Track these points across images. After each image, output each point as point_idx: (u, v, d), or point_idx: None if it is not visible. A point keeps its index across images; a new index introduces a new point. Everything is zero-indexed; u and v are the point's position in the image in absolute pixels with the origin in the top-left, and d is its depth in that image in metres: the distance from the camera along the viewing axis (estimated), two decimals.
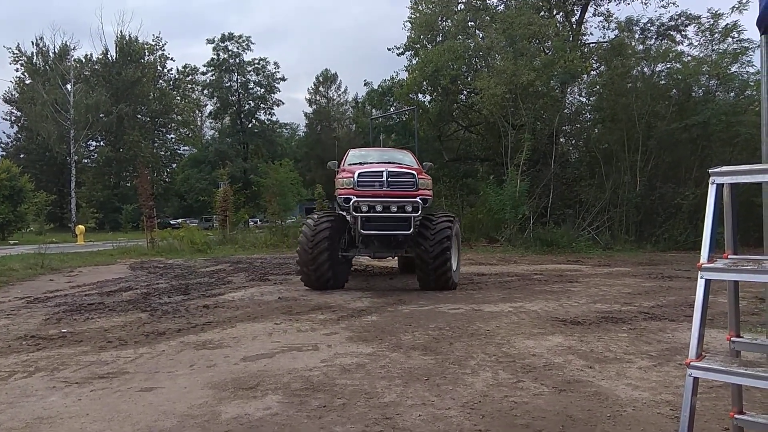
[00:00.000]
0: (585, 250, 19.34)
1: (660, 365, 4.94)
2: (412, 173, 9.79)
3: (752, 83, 21.93)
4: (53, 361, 5.27)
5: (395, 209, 9.36)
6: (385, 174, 9.48)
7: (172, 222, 42.68)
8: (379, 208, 9.34)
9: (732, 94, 22.18)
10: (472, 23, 27.25)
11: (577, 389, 4.27)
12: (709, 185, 2.34)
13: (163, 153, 62.21)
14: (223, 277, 12.14)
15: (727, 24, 22.94)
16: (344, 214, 9.90)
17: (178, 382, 4.52)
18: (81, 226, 31.19)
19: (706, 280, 2.30)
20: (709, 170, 2.37)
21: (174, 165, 63.02)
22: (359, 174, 9.53)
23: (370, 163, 10.66)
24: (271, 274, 12.45)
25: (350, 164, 10.75)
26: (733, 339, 2.53)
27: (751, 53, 22.32)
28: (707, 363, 2.25)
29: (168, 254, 18.86)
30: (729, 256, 2.45)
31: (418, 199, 9.46)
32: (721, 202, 2.38)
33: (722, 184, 2.36)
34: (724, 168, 2.36)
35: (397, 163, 10.57)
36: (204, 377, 4.63)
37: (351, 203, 9.36)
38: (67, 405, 4.01)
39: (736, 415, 2.47)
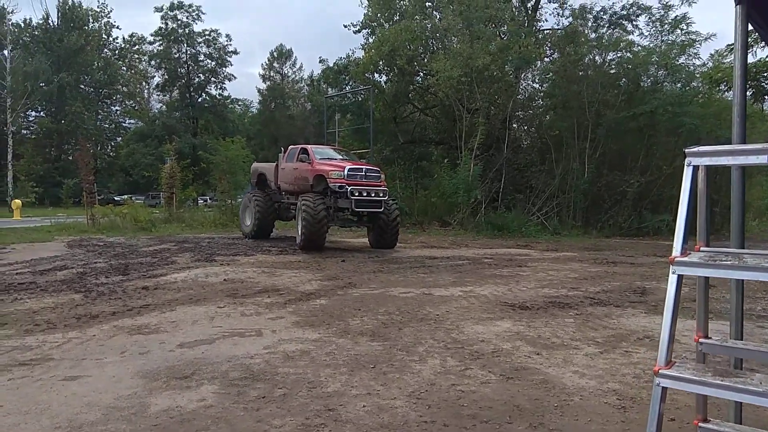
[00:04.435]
0: (534, 234, 19.67)
1: (606, 352, 4.95)
2: (378, 170, 14.37)
3: (698, 75, 22.63)
4: None
5: (374, 194, 13.43)
6: (364, 170, 13.72)
7: (116, 198, 40.92)
8: (365, 193, 13.26)
9: (679, 84, 22.79)
10: (430, 3, 26.96)
11: (524, 377, 4.22)
12: (685, 167, 2.11)
13: (107, 126, 59.39)
14: (167, 257, 11.66)
15: (677, 16, 23.50)
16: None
17: (107, 370, 4.22)
18: (17, 201, 29.43)
19: (678, 275, 2.06)
20: (686, 150, 2.13)
21: (119, 139, 60.34)
22: (349, 169, 13.44)
23: (335, 159, 14.76)
24: (218, 255, 12.04)
25: (321, 159, 14.40)
26: (701, 340, 2.33)
27: (698, 45, 23.00)
28: (678, 371, 1.99)
29: (109, 232, 18.05)
30: (701, 248, 2.25)
31: (383, 187, 13.86)
32: (696, 186, 2.15)
33: (698, 166, 2.12)
34: (702, 148, 2.12)
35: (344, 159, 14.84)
36: (135, 365, 4.34)
37: (347, 189, 13.04)
38: None
39: (700, 424, 2.29)
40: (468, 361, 4.61)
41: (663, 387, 1.96)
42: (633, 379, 4.21)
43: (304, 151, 14.89)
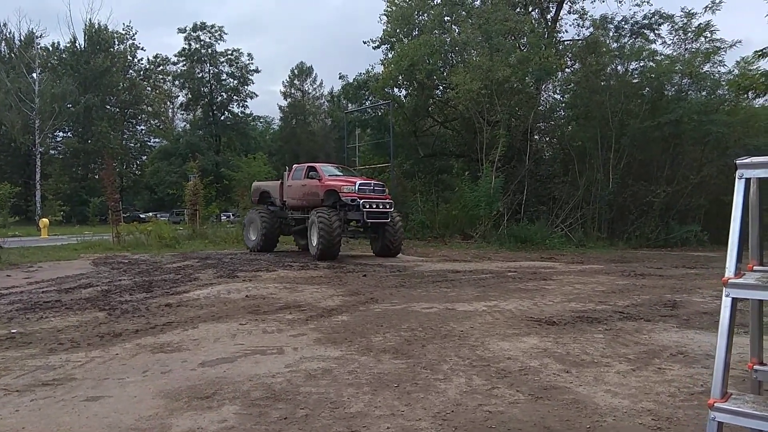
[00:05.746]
0: (558, 246, 19.37)
1: (638, 369, 4.77)
2: (383, 184, 15.89)
3: (724, 82, 22.20)
4: None
5: (382, 206, 14.66)
6: (372, 185, 15.11)
7: (141, 216, 41.53)
8: (374, 205, 14.45)
9: (704, 93, 22.41)
10: (449, 18, 27.02)
11: (554, 396, 4.06)
12: (737, 180, 1.92)
13: (132, 145, 60.67)
14: (190, 273, 11.70)
15: (700, 24, 23.17)
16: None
17: (128, 390, 4.18)
18: (45, 220, 29.97)
19: (732, 299, 1.84)
20: (736, 161, 1.96)
21: (144, 157, 61.50)
22: (359, 184, 14.70)
23: (341, 175, 15.99)
24: (240, 271, 12.04)
25: (330, 175, 15.67)
26: (756, 367, 2.12)
27: (723, 53, 22.60)
28: (736, 405, 1.78)
29: (134, 249, 18.24)
30: (755, 268, 2.06)
31: (389, 200, 15.16)
32: (747, 200, 1.96)
33: (750, 179, 1.93)
34: (756, 159, 1.92)
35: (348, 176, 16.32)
36: (157, 385, 4.30)
37: (360, 202, 14.23)
38: (3, 417, 3.65)
39: None
40: (495, 379, 4.48)
41: (719, 422, 1.78)
42: (668, 398, 4.03)
43: (313, 168, 16.09)
